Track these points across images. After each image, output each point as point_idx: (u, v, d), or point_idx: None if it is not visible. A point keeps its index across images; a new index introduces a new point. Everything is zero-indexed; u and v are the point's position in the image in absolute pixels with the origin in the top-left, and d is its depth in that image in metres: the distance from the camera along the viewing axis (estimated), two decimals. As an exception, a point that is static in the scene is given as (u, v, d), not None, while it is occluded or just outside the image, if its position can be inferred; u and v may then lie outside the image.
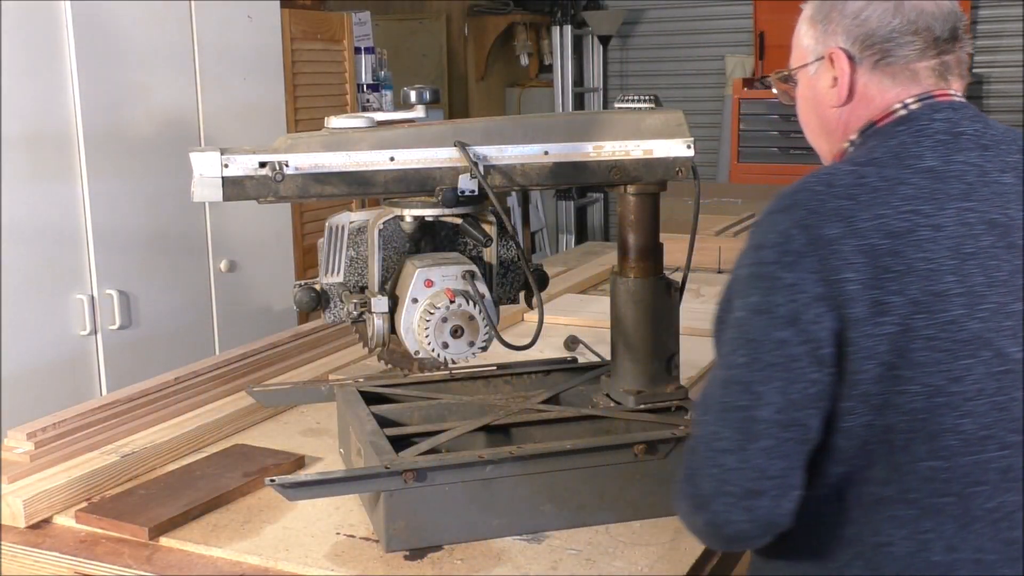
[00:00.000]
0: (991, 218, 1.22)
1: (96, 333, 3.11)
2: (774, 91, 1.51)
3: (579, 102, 7.27)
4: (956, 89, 1.34)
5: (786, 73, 1.45)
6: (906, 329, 1.16)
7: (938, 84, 1.33)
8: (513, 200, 5.64)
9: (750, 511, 1.17)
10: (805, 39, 1.40)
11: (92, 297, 3.08)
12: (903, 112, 1.32)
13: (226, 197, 1.58)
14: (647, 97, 1.77)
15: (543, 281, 1.80)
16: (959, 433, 1.18)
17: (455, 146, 1.65)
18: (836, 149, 1.40)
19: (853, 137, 1.36)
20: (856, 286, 1.16)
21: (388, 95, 4.54)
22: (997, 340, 1.18)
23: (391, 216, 1.69)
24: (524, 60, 7.22)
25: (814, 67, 1.38)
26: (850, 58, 1.34)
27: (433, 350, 1.62)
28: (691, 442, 1.24)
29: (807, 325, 1.16)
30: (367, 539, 1.60)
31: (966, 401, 1.18)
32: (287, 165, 1.59)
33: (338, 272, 1.73)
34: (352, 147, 1.62)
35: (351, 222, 1.73)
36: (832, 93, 1.36)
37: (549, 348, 2.39)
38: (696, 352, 2.48)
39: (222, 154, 1.56)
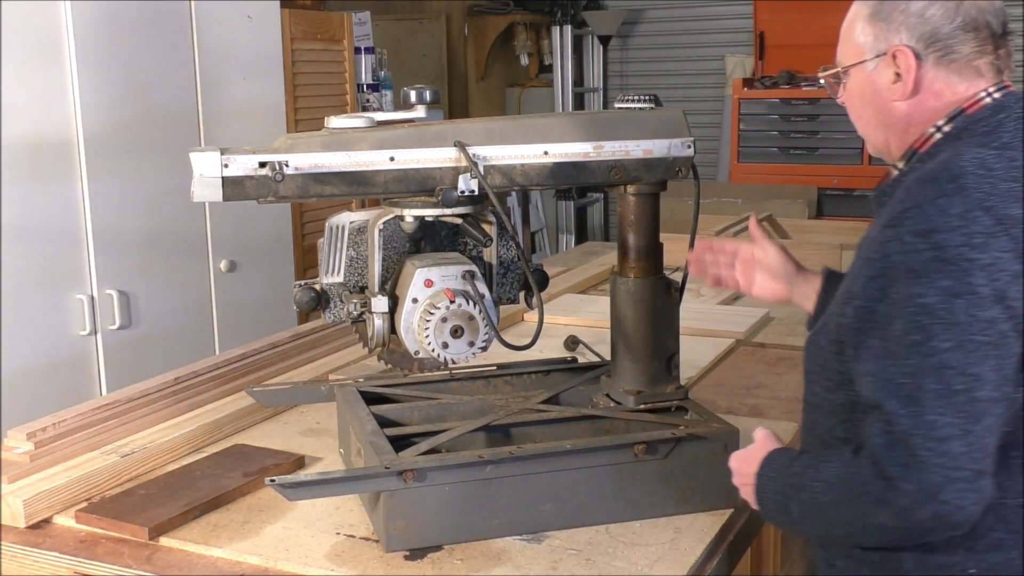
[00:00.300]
0: None
1: (96, 333, 3.11)
2: (822, 83, 1.54)
3: (579, 102, 7.27)
4: (1008, 79, 1.42)
5: (839, 69, 1.49)
6: None
7: (998, 77, 1.39)
8: (513, 200, 5.63)
9: (979, 492, 1.20)
10: (862, 36, 1.44)
11: (92, 297, 3.08)
12: (989, 100, 1.38)
13: (226, 197, 1.58)
14: (647, 97, 1.77)
15: (543, 281, 1.80)
16: None
17: (455, 146, 1.65)
18: (906, 138, 1.44)
19: (940, 123, 1.40)
20: None
21: (388, 95, 4.54)
22: None
23: (391, 216, 1.69)
24: (524, 60, 7.22)
25: (873, 63, 1.42)
26: (915, 55, 1.38)
27: (433, 350, 1.62)
28: (889, 438, 1.22)
29: (1011, 302, 1.21)
30: (367, 539, 1.60)
31: None
32: (287, 165, 1.59)
33: (338, 272, 1.73)
34: (352, 147, 1.62)
35: (351, 222, 1.73)
36: (895, 88, 1.41)
37: (549, 348, 2.39)
38: (696, 352, 2.48)
39: (222, 154, 1.56)
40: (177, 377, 2.13)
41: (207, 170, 1.56)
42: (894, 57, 1.39)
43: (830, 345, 1.40)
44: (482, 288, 1.64)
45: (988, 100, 1.37)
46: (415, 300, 1.63)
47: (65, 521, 1.69)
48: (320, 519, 1.66)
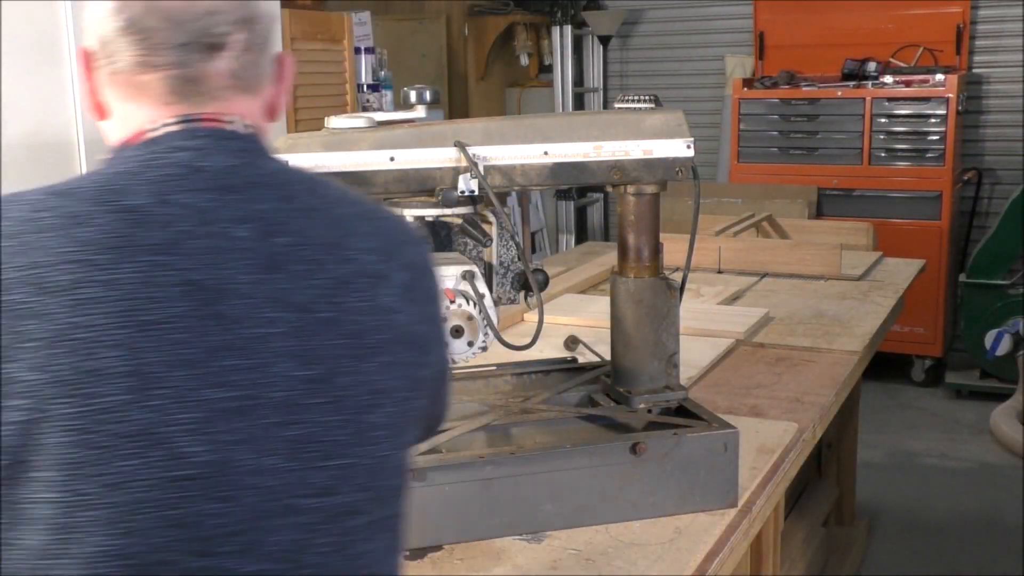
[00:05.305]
0: (193, 279, 0.96)
1: (96, 333, 3.10)
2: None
3: (579, 102, 7.27)
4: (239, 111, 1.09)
5: None
6: (43, 417, 0.90)
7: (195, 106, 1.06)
8: (513, 200, 5.65)
9: None
10: None
11: (92, 297, 3.08)
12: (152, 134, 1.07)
13: (226, 197, 1.58)
14: (647, 97, 1.77)
15: (543, 281, 1.80)
16: (113, 556, 0.90)
17: (455, 146, 1.65)
18: None
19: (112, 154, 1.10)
20: None
21: (388, 95, 4.54)
22: (174, 437, 0.93)
23: (391, 216, 1.69)
24: (524, 60, 7.22)
25: None
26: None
27: (433, 350, 1.62)
28: None
29: None
30: (367, 539, 1.60)
31: (128, 516, 0.91)
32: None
33: (338, 272, 1.73)
34: (352, 147, 1.62)
35: (351, 222, 1.73)
36: None
37: (549, 348, 2.40)
38: (696, 352, 2.48)
39: (222, 154, 1.56)
40: (177, 377, 2.13)
41: (207, 170, 1.56)
42: None
43: None
44: (482, 288, 1.64)
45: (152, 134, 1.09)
46: (415, 300, 1.63)
47: (65, 521, 1.69)
48: (320, 519, 1.66)
